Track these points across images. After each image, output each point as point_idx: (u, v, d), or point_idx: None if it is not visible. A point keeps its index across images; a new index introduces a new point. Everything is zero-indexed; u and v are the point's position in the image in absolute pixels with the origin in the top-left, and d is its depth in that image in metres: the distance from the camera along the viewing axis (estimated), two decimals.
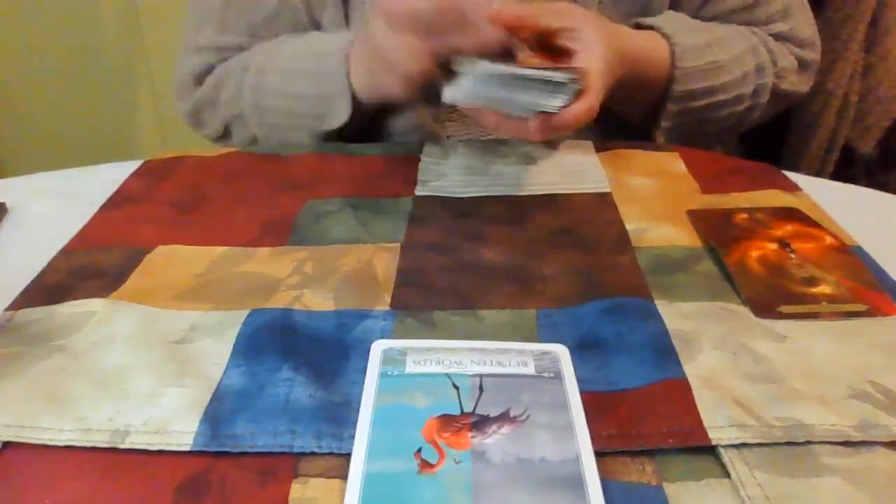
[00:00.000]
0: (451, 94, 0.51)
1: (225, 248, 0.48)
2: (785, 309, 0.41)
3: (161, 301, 0.42)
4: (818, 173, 0.98)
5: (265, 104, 0.66)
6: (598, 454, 0.31)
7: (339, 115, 0.62)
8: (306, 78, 0.63)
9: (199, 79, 0.71)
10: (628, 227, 0.50)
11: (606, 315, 0.41)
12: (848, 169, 1.00)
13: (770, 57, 0.68)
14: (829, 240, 0.47)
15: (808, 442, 0.32)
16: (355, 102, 0.61)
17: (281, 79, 0.64)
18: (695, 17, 0.70)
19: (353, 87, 0.60)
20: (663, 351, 0.38)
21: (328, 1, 0.66)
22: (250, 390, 0.36)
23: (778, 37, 0.70)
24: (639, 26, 0.65)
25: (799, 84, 0.72)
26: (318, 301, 0.42)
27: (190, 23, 0.72)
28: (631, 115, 0.68)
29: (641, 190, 0.55)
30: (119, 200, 0.55)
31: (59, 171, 0.61)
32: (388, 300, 0.42)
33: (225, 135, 0.72)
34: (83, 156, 0.97)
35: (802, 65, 0.71)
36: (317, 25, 0.69)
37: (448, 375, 0.36)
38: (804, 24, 0.71)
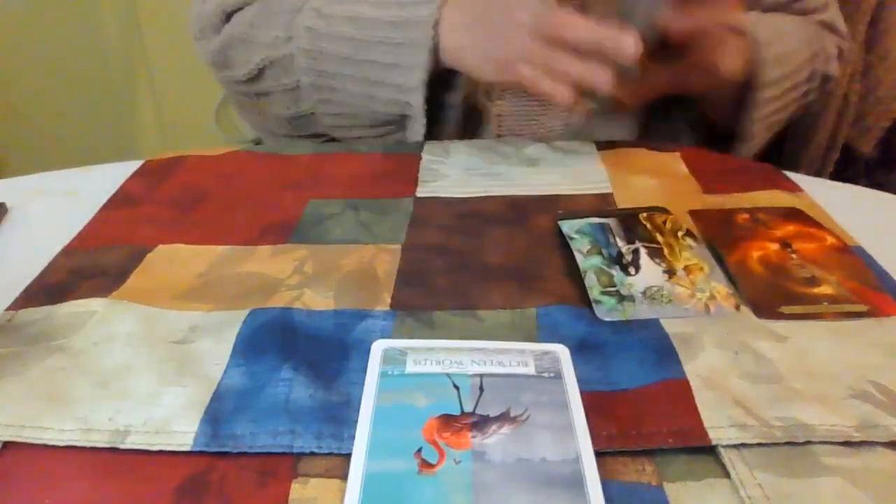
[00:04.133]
0: None
1: (225, 248, 0.48)
2: (786, 309, 0.41)
3: (161, 301, 0.42)
4: (818, 173, 0.98)
5: (324, 48, 0.62)
6: (599, 454, 0.31)
7: (416, 71, 0.59)
8: (383, 24, 0.60)
9: (230, 16, 0.67)
10: None
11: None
12: (848, 169, 1.00)
13: (821, 42, 0.70)
14: (830, 240, 0.47)
15: (809, 442, 0.32)
16: (436, 59, 0.59)
17: (351, 23, 0.61)
18: (749, 9, 0.70)
19: (440, 47, 0.58)
20: (663, 351, 0.38)
21: None
22: (250, 390, 0.36)
23: (821, 25, 0.72)
24: None
25: (836, 70, 0.73)
26: (319, 300, 0.42)
27: None
28: (717, 114, 0.68)
29: (643, 190, 0.55)
30: (119, 200, 0.55)
31: (59, 171, 0.61)
32: (389, 300, 0.42)
33: (257, 77, 0.67)
34: (83, 156, 0.97)
35: (840, 52, 0.73)
36: None
37: (448, 375, 0.36)
38: (837, 15, 0.74)
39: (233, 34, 0.66)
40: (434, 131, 0.64)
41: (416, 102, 0.60)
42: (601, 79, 0.52)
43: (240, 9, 0.67)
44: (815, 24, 0.70)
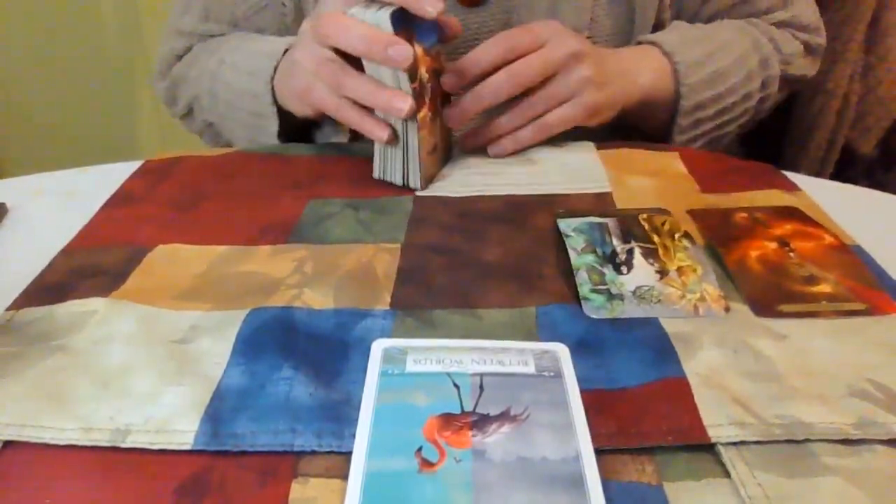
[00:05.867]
0: None
1: (225, 247, 0.48)
2: (785, 308, 0.41)
3: (161, 300, 0.42)
4: (818, 173, 0.98)
5: (217, 91, 0.67)
6: (598, 453, 0.31)
7: (271, 118, 0.63)
8: (243, 73, 0.64)
9: (180, 59, 0.73)
10: None
11: None
12: (848, 169, 1.00)
13: (773, 46, 0.69)
14: (828, 239, 0.47)
15: (808, 440, 0.32)
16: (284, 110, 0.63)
17: (230, 71, 0.66)
18: (696, 14, 0.70)
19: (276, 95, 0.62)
20: (663, 349, 0.38)
21: (311, 1, 0.67)
22: (251, 389, 0.36)
23: (779, 24, 0.71)
24: (640, 44, 0.66)
25: (806, 67, 0.73)
26: (318, 299, 0.42)
27: (177, 5, 0.74)
28: (645, 129, 0.69)
29: (642, 190, 0.55)
30: (119, 200, 0.55)
31: (59, 171, 0.61)
32: (388, 299, 0.42)
33: (188, 114, 0.74)
34: (83, 156, 0.97)
35: (808, 48, 0.72)
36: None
37: (448, 374, 0.36)
38: (805, 10, 0.72)
39: (177, 74, 0.73)
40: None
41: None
42: (395, 102, 0.51)
43: (188, 52, 0.73)
44: (757, 29, 0.69)
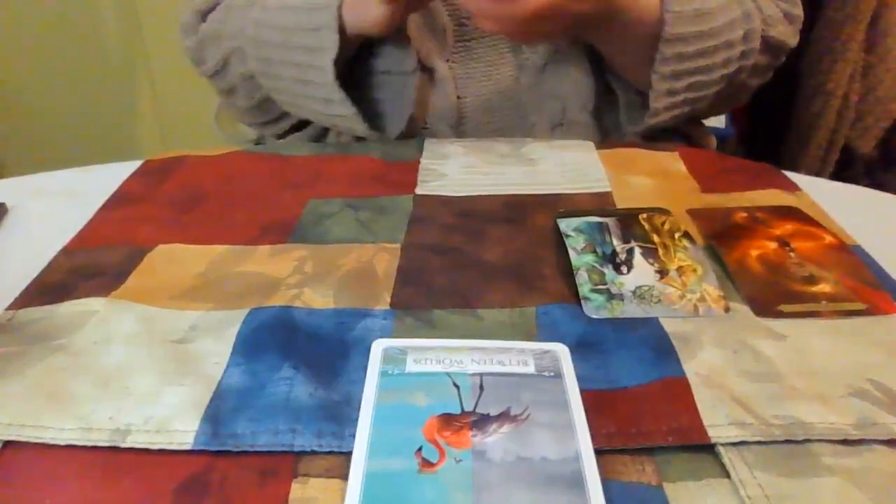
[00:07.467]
0: None
1: (225, 247, 0.48)
2: (785, 308, 0.41)
3: (161, 300, 0.42)
4: (818, 173, 0.99)
5: (263, 36, 0.67)
6: (598, 453, 0.31)
7: (329, 49, 0.63)
8: (301, 10, 0.64)
9: (205, 15, 0.73)
10: None
11: None
12: (848, 169, 1.00)
13: (755, 4, 0.69)
14: (828, 239, 0.47)
15: (808, 440, 0.32)
16: (344, 38, 0.63)
17: (280, 12, 0.66)
18: None
19: (344, 20, 0.63)
20: (663, 349, 0.38)
21: None
22: (251, 389, 0.36)
23: None
24: None
25: (787, 35, 0.72)
26: (318, 299, 0.42)
27: None
28: (624, 67, 0.68)
29: (642, 189, 0.55)
30: (119, 200, 0.55)
31: (59, 171, 0.61)
32: (388, 299, 0.42)
33: (223, 69, 0.73)
34: (83, 156, 0.97)
35: (788, 17, 0.72)
36: None
37: (448, 374, 0.36)
38: None
39: (206, 31, 0.73)
40: (393, 99, 0.68)
41: (327, 80, 0.63)
42: None
43: (213, 8, 0.73)
44: None
